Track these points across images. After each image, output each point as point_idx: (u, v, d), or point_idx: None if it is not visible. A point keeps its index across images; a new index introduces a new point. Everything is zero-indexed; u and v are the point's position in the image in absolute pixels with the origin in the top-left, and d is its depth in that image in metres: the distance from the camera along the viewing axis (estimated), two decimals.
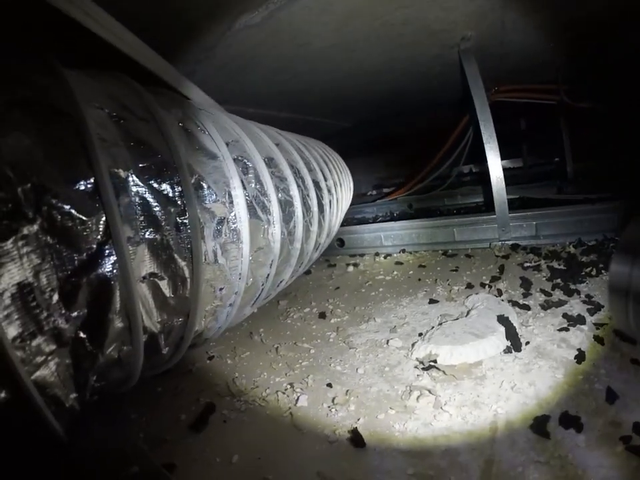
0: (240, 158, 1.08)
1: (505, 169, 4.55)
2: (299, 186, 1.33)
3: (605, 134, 3.91)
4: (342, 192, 1.92)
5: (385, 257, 2.49)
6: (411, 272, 2.12)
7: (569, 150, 3.86)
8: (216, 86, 1.91)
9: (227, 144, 1.05)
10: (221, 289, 0.97)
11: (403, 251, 2.54)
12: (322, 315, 1.73)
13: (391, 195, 4.11)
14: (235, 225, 0.96)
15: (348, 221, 2.54)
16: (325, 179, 1.65)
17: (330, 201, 1.68)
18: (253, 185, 1.08)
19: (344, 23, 1.74)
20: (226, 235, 0.94)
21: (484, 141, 2.30)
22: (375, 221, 2.78)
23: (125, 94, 0.86)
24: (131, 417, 1.16)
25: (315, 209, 1.45)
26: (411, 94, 3.09)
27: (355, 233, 2.72)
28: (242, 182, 0.99)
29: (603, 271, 1.74)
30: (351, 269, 2.32)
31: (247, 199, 1.00)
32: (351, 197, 2.34)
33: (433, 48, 2.21)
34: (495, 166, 2.33)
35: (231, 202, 0.96)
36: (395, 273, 2.14)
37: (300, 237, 1.35)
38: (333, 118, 3.40)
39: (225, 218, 0.94)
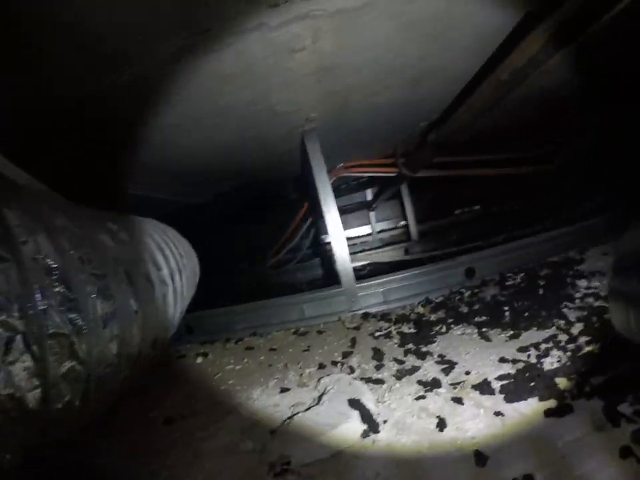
0: (42, 257, 0.92)
1: (355, 237, 4.93)
2: (121, 282, 1.18)
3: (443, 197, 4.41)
4: (182, 279, 1.78)
5: (235, 342, 2.33)
6: (262, 357, 2.00)
7: (412, 213, 4.21)
8: None
9: (25, 242, 0.88)
10: None
11: (254, 334, 2.39)
12: (168, 421, 1.52)
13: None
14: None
15: (199, 304, 2.35)
16: (159, 269, 1.51)
17: (164, 294, 1.53)
18: (58, 289, 0.91)
19: (188, 102, 1.71)
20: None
21: (325, 218, 2.35)
22: (223, 304, 2.63)
23: None
24: None
25: (137, 307, 1.30)
26: (261, 171, 3.14)
27: (204, 318, 2.56)
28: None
29: (452, 326, 1.82)
30: (199, 359, 2.13)
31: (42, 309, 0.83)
32: (197, 281, 2.19)
33: (279, 128, 2.26)
34: (338, 240, 2.36)
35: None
36: (246, 360, 2.00)
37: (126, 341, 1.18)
38: (183, 195, 3.29)
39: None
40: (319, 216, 2.41)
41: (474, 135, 2.83)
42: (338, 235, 2.37)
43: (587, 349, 1.35)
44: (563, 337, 1.47)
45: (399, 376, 1.47)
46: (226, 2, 1.17)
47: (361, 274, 3.42)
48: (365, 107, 2.20)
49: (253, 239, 4.27)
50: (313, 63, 1.61)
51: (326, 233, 2.43)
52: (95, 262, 1.12)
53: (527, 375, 1.26)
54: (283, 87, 1.78)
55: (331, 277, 3.01)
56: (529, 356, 1.40)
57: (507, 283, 2.24)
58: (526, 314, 1.74)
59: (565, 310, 1.70)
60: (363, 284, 2.34)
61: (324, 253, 4.08)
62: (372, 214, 4.82)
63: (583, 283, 1.97)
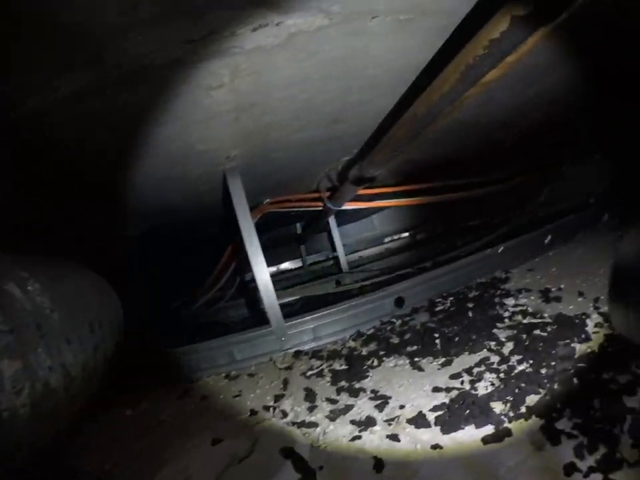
0: None
1: (287, 271, 4.90)
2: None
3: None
4: (103, 329, 1.65)
5: (167, 391, 2.18)
6: (193, 407, 1.89)
7: (340, 245, 4.26)
8: None
9: None
10: None
11: (185, 380, 2.25)
12: None
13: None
14: None
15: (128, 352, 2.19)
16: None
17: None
18: None
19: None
20: None
21: (249, 257, 2.29)
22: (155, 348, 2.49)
23: None
24: None
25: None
26: (186, 209, 3.06)
27: None
28: None
29: (384, 358, 1.81)
30: (129, 412, 1.97)
31: None
32: (122, 329, 2.05)
33: (200, 166, 2.21)
34: (263, 280, 2.31)
35: None
36: (177, 410, 1.88)
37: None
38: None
39: None
40: (245, 255, 2.34)
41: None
42: (262, 274, 2.31)
43: (519, 368, 1.38)
44: (494, 358, 1.50)
45: (333, 417, 1.42)
46: None
47: (293, 309, 3.37)
48: (286, 144, 2.20)
49: (185, 277, 4.12)
50: (231, 100, 1.59)
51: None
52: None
53: (462, 402, 1.26)
54: (201, 125, 1.74)
55: (261, 315, 2.94)
56: (462, 382, 1.41)
57: (437, 309, 2.28)
58: (457, 339, 1.77)
59: (495, 330, 1.75)
60: (292, 322, 2.29)
61: (252, 291, 4.00)
62: (302, 247, 4.83)
63: (510, 301, 2.05)
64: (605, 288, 1.83)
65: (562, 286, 2.05)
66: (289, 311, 3.29)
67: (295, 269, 4.94)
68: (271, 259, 4.78)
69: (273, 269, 4.86)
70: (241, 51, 1.30)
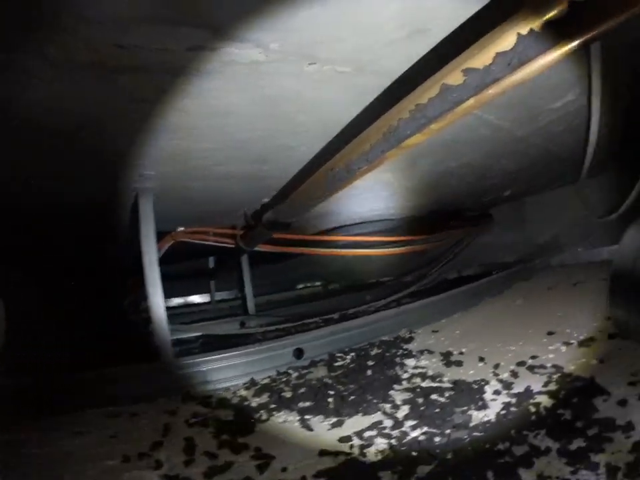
0: None
1: (193, 304, 4.69)
2: None
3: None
4: None
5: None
6: (64, 442, 1.66)
7: (250, 285, 4.15)
8: None
9: None
10: None
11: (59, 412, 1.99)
12: None
13: None
14: None
15: None
16: None
17: None
18: None
19: None
20: None
21: (146, 283, 2.14)
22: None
23: None
24: None
25: None
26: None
27: None
28: None
29: (274, 413, 1.71)
30: None
31: None
32: None
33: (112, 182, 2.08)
34: (157, 310, 2.17)
35: None
36: (49, 448, 1.64)
37: None
38: None
39: None
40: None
41: None
42: (157, 305, 2.16)
43: (413, 434, 1.34)
44: (388, 422, 1.46)
45: (210, 474, 1.29)
46: None
47: (193, 346, 3.23)
48: (206, 175, 2.13)
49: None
50: (154, 117, 1.50)
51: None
52: None
53: (348, 469, 1.20)
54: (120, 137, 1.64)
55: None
56: (351, 447, 1.34)
57: (336, 364, 2.22)
58: (352, 398, 1.71)
59: (392, 392, 1.71)
60: (185, 361, 2.13)
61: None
62: (212, 282, 4.67)
63: (411, 362, 2.04)
64: (505, 354, 1.93)
65: (464, 350, 2.09)
66: (188, 348, 3.12)
67: (203, 303, 4.77)
68: (180, 290, 4.62)
69: (180, 300, 4.68)
70: (171, 68, 1.23)
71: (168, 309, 4.24)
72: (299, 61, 1.28)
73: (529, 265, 3.95)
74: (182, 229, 3.02)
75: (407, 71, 1.36)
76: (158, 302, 2.16)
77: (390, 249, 3.50)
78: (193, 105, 1.45)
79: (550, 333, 2.06)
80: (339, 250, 3.35)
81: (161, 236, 2.56)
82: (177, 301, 4.70)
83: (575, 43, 0.81)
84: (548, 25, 0.81)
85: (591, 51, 1.42)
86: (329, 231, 3.54)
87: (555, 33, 0.81)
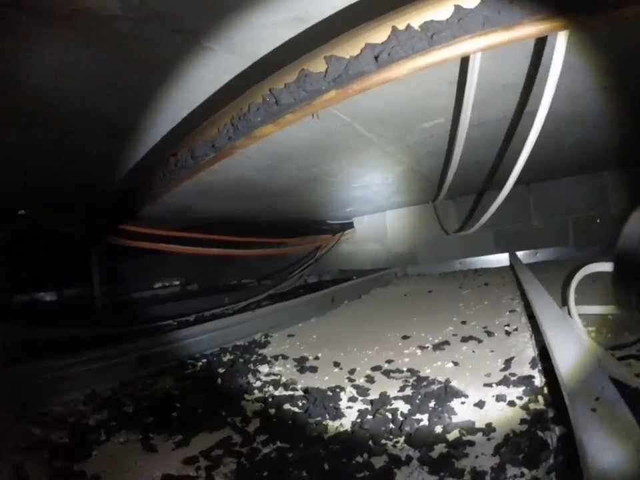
0: None
1: (39, 302, 4.08)
2: None
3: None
4: None
5: None
6: None
7: (98, 283, 3.74)
8: None
9: None
10: None
11: None
12: None
13: None
14: None
15: None
16: None
17: None
18: None
19: None
20: None
21: None
22: None
23: None
24: None
25: None
26: None
27: None
28: None
29: (114, 432, 1.47)
30: None
31: None
32: None
33: None
34: None
35: None
36: None
37: None
38: None
39: None
40: None
41: None
42: None
43: (264, 450, 1.24)
44: (237, 438, 1.33)
45: None
46: None
47: (31, 351, 2.72)
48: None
49: None
50: None
51: None
52: None
53: None
54: None
55: None
56: (197, 469, 1.19)
57: (186, 372, 2.03)
58: (199, 411, 1.55)
59: (243, 403, 1.59)
60: (18, 370, 1.83)
61: None
62: (59, 278, 4.15)
63: (265, 368, 1.95)
64: (362, 358, 1.92)
65: (319, 354, 2.06)
66: (27, 354, 2.67)
67: (50, 301, 4.26)
68: (24, 285, 3.99)
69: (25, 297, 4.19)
70: None
71: (8, 306, 3.71)
72: (162, 24, 1.11)
73: (387, 272, 4.16)
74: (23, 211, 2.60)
75: (272, 54, 1.26)
76: None
77: (251, 251, 3.43)
78: None
79: (405, 337, 2.13)
80: (196, 248, 3.17)
81: None
82: (20, 298, 4.15)
83: (457, 53, 0.79)
84: (429, 24, 0.77)
85: (466, 78, 1.43)
86: (188, 228, 3.33)
87: (436, 34, 0.77)
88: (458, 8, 0.75)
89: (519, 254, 4.05)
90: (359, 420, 1.35)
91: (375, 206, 4.19)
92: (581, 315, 1.77)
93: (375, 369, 1.76)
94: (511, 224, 4.23)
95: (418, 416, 1.30)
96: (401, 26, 0.75)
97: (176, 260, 4.40)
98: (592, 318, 1.84)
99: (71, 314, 3.86)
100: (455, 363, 1.70)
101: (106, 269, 3.82)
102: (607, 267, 1.72)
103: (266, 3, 1.03)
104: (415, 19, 0.75)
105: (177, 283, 4.72)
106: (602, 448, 0.70)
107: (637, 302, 1.11)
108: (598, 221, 3.95)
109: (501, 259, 4.17)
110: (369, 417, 1.35)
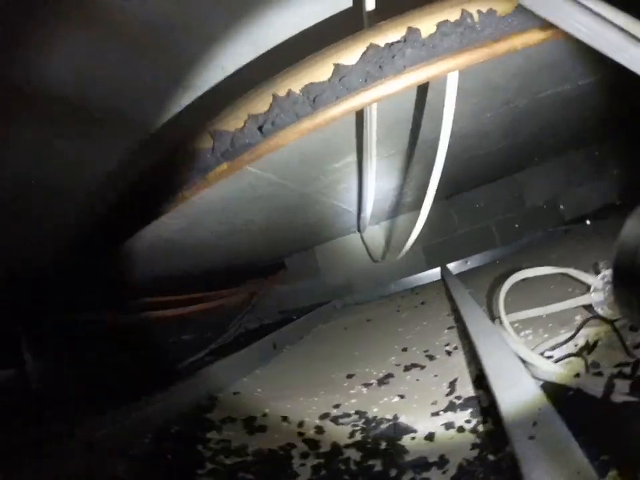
0: None
1: None
2: None
3: None
4: None
5: None
6: None
7: None
8: None
9: None
10: None
11: None
12: None
13: None
14: None
15: None
16: None
17: None
18: None
19: None
20: None
21: None
22: None
23: None
24: None
25: None
26: None
27: None
28: None
29: None
30: None
31: None
32: None
33: None
34: None
35: None
36: None
37: None
38: None
39: None
40: None
41: None
42: None
43: None
44: None
45: None
46: None
47: None
48: None
49: None
50: None
51: None
52: None
53: None
54: None
55: None
56: None
57: (131, 452, 1.86)
58: None
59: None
60: None
61: None
62: None
63: (214, 435, 1.82)
64: (309, 407, 1.86)
65: (267, 410, 1.96)
66: None
67: None
68: None
69: None
70: None
71: None
72: None
73: (326, 307, 4.15)
74: None
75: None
76: None
77: (186, 308, 3.29)
78: None
79: (349, 376, 2.09)
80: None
81: None
82: None
83: (342, 111, 0.80)
84: (310, 87, 0.78)
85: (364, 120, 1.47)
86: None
87: (318, 97, 0.78)
88: (337, 66, 0.76)
89: (451, 266, 4.20)
90: (314, 477, 1.30)
91: (303, 244, 4.21)
92: (516, 322, 1.81)
93: (322, 417, 1.72)
94: (438, 238, 4.39)
95: (371, 462, 1.28)
96: (282, 92, 0.76)
97: None
98: (528, 321, 1.86)
99: None
100: (401, 396, 1.69)
101: None
102: (530, 272, 1.78)
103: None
104: (295, 83, 0.75)
105: None
106: (543, 477, 0.71)
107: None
108: (517, 218, 4.26)
109: (434, 273, 4.28)
110: (323, 472, 1.31)
